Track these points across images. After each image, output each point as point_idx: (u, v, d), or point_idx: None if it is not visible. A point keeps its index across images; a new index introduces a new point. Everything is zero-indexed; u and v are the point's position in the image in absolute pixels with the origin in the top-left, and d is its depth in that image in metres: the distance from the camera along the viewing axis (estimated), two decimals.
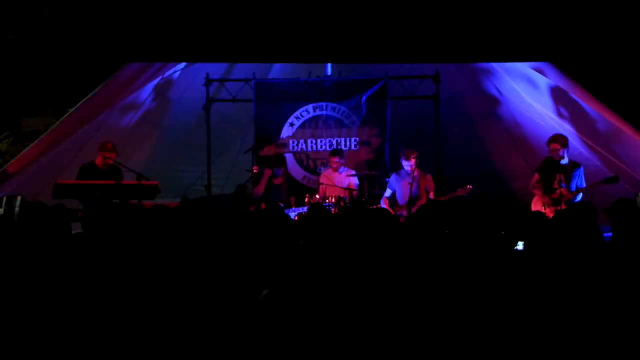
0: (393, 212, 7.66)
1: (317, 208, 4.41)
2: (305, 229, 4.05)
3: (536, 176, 7.36)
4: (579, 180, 7.11)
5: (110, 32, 7.46)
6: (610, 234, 4.14)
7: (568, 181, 7.05)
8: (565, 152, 7.13)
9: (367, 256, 3.32)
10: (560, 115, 8.64)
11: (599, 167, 8.19)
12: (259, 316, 2.67)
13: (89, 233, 3.72)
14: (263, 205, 6.79)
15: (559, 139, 7.19)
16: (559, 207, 6.92)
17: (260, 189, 8.06)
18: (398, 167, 7.96)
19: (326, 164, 8.77)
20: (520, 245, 3.65)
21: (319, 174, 8.58)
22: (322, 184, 8.16)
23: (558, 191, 7.05)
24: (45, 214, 3.87)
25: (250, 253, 3.49)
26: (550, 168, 7.16)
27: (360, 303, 2.84)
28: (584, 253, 3.28)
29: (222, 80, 9.18)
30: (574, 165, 7.18)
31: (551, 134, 7.56)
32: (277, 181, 8.11)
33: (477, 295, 2.92)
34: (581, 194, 7.03)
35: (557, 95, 8.53)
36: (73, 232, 3.88)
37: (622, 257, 3.40)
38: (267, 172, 8.10)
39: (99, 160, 7.55)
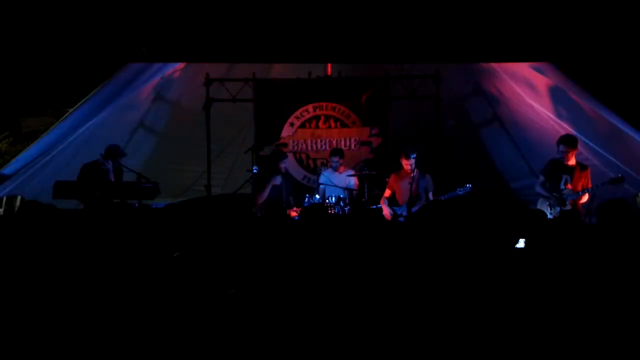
0: (393, 212, 7.67)
1: (312, 210, 4.38)
2: (302, 230, 4.04)
3: (541, 178, 7.36)
4: (585, 181, 7.12)
5: (110, 33, 7.46)
6: None
7: (574, 182, 7.05)
8: (574, 153, 7.14)
9: (365, 256, 3.32)
10: (559, 115, 8.64)
11: (598, 167, 8.19)
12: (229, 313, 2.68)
13: (88, 233, 3.72)
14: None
15: (570, 140, 7.20)
16: (564, 208, 6.95)
17: (264, 195, 8.00)
18: (398, 167, 7.96)
19: (326, 164, 8.77)
20: (521, 243, 3.65)
21: (319, 174, 8.58)
22: (322, 184, 8.16)
23: (563, 191, 7.06)
24: (43, 213, 3.87)
25: (251, 253, 3.49)
26: (557, 169, 7.17)
27: (360, 303, 2.84)
28: (586, 252, 3.29)
29: (222, 80, 9.17)
30: (580, 166, 7.18)
31: (551, 134, 7.58)
32: (278, 181, 8.11)
33: (477, 294, 2.92)
34: (587, 195, 7.04)
35: (557, 96, 8.54)
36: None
37: (614, 255, 3.39)
38: (273, 180, 8.04)
39: (109, 164, 7.49)
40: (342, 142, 9.07)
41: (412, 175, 7.58)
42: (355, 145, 9.07)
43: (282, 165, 8.10)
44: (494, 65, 9.01)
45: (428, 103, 8.94)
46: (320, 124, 9.14)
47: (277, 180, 8.07)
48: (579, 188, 7.04)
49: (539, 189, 7.32)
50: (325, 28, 7.51)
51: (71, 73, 8.43)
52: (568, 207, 6.98)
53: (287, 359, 2.67)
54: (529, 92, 8.93)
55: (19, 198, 7.51)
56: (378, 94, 8.98)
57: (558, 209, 6.97)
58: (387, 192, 7.95)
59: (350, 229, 3.69)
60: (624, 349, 2.77)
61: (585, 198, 7.04)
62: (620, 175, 7.24)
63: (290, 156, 8.96)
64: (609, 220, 3.97)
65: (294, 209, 7.68)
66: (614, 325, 2.82)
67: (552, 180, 7.16)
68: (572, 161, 7.11)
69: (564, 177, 7.07)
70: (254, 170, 8.15)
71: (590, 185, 7.07)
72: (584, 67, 7.76)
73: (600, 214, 4.09)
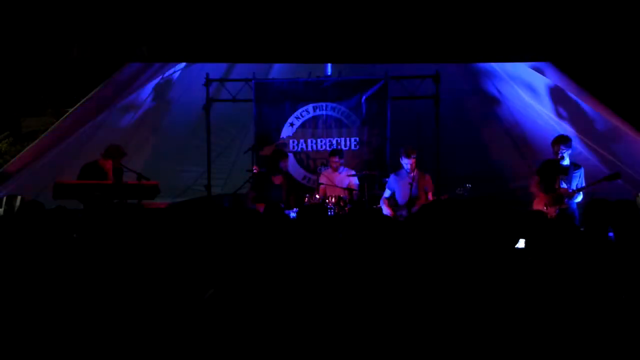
0: (393, 213, 7.68)
1: (311, 210, 4.38)
2: (300, 230, 4.03)
3: (536, 178, 7.42)
4: (580, 180, 7.20)
5: (110, 33, 7.46)
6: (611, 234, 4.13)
7: (569, 181, 7.13)
8: (568, 153, 7.21)
9: (364, 257, 3.32)
10: (559, 115, 8.65)
11: (598, 167, 8.20)
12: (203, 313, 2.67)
13: (88, 233, 3.72)
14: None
15: (567, 140, 7.28)
16: (560, 207, 7.01)
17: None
18: (398, 167, 7.97)
19: (326, 164, 8.77)
20: (521, 243, 3.65)
21: (319, 174, 8.59)
22: (322, 184, 8.16)
23: (559, 191, 7.13)
24: (43, 214, 3.87)
25: (251, 253, 3.48)
26: (551, 169, 7.24)
27: (359, 304, 2.84)
28: (586, 252, 3.29)
29: (222, 80, 9.18)
30: (574, 166, 7.26)
31: (550, 134, 7.64)
32: (278, 181, 8.11)
33: (477, 295, 2.92)
34: (582, 194, 7.10)
35: (556, 96, 8.54)
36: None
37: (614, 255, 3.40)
38: (278, 180, 8.07)
39: (109, 164, 7.51)
40: (342, 142, 9.07)
41: (412, 175, 7.59)
42: (355, 145, 9.07)
43: (282, 165, 8.10)
44: (494, 65, 9.01)
45: (428, 103, 8.94)
46: (320, 123, 9.14)
47: (277, 180, 8.08)
48: (574, 187, 7.11)
49: (534, 189, 7.39)
50: (325, 28, 7.51)
51: (71, 73, 8.45)
52: (564, 207, 7.04)
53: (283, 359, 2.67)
54: (528, 92, 8.94)
55: (19, 198, 7.52)
56: (378, 94, 8.98)
57: (555, 208, 7.04)
58: (387, 193, 7.96)
59: (348, 228, 3.69)
60: (624, 349, 2.77)
61: (580, 197, 7.11)
62: (616, 171, 7.30)
63: (290, 156, 8.96)
64: (593, 219, 3.97)
65: (294, 209, 7.68)
66: (613, 326, 2.82)
67: (547, 180, 7.24)
68: (566, 160, 7.19)
69: (559, 176, 7.15)
70: (254, 171, 8.16)
71: (585, 184, 7.14)
72: (583, 67, 7.77)
73: (585, 213, 4.10)
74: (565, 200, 7.05)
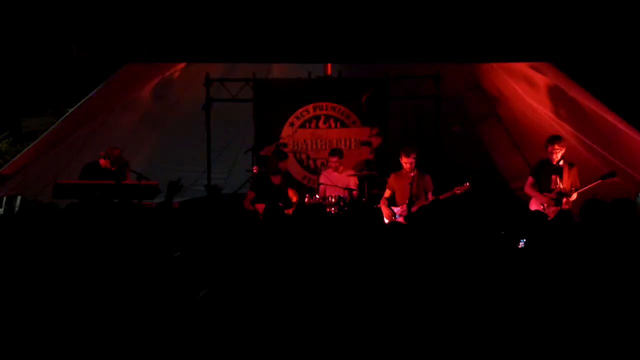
0: (392, 213, 7.68)
1: (308, 209, 4.37)
2: (297, 229, 4.02)
3: (530, 179, 7.43)
4: (574, 179, 7.20)
5: (110, 33, 7.46)
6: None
7: (564, 181, 7.13)
8: (562, 152, 7.22)
9: (363, 256, 3.32)
10: (559, 115, 8.65)
11: (597, 167, 8.19)
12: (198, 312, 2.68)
13: (86, 232, 3.72)
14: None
15: (557, 140, 7.29)
16: (560, 207, 6.99)
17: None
18: (398, 167, 7.96)
19: (326, 164, 8.77)
20: (522, 244, 3.65)
21: (319, 174, 8.58)
22: (322, 183, 8.16)
23: (555, 191, 7.13)
24: (42, 213, 3.87)
25: (251, 253, 3.49)
26: (546, 169, 7.26)
27: (359, 303, 2.84)
28: (586, 252, 3.29)
29: (222, 80, 9.18)
30: (569, 165, 7.26)
31: (549, 135, 7.63)
32: (277, 181, 8.11)
33: (477, 295, 2.92)
34: (576, 194, 7.11)
35: (556, 95, 8.54)
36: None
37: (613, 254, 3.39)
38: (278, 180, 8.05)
39: (107, 163, 7.52)
40: (342, 142, 9.07)
41: (411, 175, 7.59)
42: (355, 145, 9.07)
43: (282, 165, 8.10)
44: (494, 64, 9.01)
45: (428, 103, 8.94)
46: (320, 124, 9.14)
47: (277, 180, 8.08)
48: (569, 186, 7.12)
49: (528, 190, 7.40)
50: (325, 28, 7.51)
51: (71, 73, 8.45)
52: (561, 207, 7.04)
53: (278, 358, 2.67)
54: (528, 90, 8.94)
55: (19, 198, 7.51)
56: (378, 94, 8.97)
57: (552, 209, 7.04)
58: (387, 193, 7.95)
59: (346, 228, 3.69)
60: (623, 349, 2.77)
61: (575, 196, 7.11)
62: (612, 170, 7.30)
63: (290, 156, 8.96)
64: (591, 219, 3.97)
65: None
66: (613, 326, 2.82)
67: (542, 180, 7.25)
68: (561, 160, 7.21)
69: (554, 176, 7.16)
70: (254, 171, 8.15)
71: (579, 183, 7.15)
72: (583, 67, 7.78)
73: (583, 213, 4.10)
74: (563, 200, 7.05)
